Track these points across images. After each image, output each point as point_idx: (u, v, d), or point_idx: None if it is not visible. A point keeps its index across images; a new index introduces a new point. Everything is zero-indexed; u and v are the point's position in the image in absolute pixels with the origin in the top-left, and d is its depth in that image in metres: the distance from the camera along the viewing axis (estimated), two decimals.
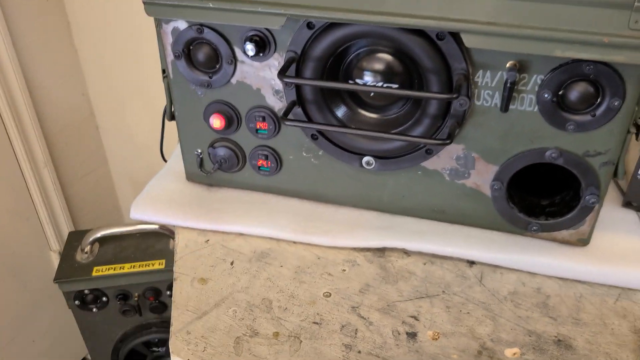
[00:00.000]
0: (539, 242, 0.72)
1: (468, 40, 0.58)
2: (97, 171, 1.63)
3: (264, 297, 0.68)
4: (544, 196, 0.74)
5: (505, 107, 0.62)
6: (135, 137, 1.60)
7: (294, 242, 0.74)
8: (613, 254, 0.69)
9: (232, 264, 0.72)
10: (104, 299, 1.30)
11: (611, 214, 0.76)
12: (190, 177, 0.81)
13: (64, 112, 1.48)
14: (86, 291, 1.28)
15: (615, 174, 0.66)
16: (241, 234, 0.75)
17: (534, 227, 0.71)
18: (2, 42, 1.24)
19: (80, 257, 1.32)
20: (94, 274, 1.28)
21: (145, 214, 0.76)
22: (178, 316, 0.65)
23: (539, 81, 0.61)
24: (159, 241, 1.35)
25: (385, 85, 0.66)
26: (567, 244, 0.71)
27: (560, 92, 0.61)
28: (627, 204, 0.77)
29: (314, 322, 0.65)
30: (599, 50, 0.55)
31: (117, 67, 1.47)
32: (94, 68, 1.51)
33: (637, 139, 0.65)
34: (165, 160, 0.90)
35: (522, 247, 0.71)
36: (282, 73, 0.64)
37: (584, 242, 0.70)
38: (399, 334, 0.64)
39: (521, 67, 0.61)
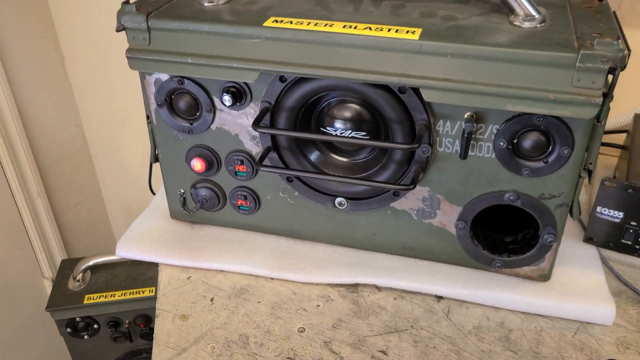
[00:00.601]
0: (503, 277, 0.76)
1: (427, 95, 0.63)
2: (90, 199, 1.67)
3: (242, 333, 0.71)
4: (508, 233, 0.78)
5: (464, 155, 0.66)
6: (127, 166, 1.64)
7: (272, 278, 0.78)
8: (572, 289, 0.73)
9: (212, 300, 0.75)
10: (95, 326, 1.33)
11: (573, 249, 0.80)
12: (174, 215, 0.86)
13: (58, 143, 1.53)
14: (77, 319, 1.32)
15: (571, 214, 0.70)
16: (222, 271, 0.79)
17: (498, 264, 0.75)
18: None
19: (72, 285, 1.36)
20: (86, 301, 1.32)
21: (130, 252, 0.80)
22: (159, 353, 0.68)
23: (494, 131, 0.65)
24: (149, 269, 1.38)
25: (354, 132, 0.70)
26: (530, 279, 0.75)
27: (514, 141, 0.65)
28: (588, 240, 0.81)
29: (288, 358, 0.68)
30: (546, 106, 0.60)
31: (110, 98, 1.52)
32: (87, 100, 1.55)
33: (589, 182, 0.69)
34: (154, 193, 0.94)
35: (486, 283, 0.75)
36: (256, 123, 0.68)
37: (544, 277, 0.74)
38: None
39: (478, 117, 0.65)
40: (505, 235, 0.77)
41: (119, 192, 1.70)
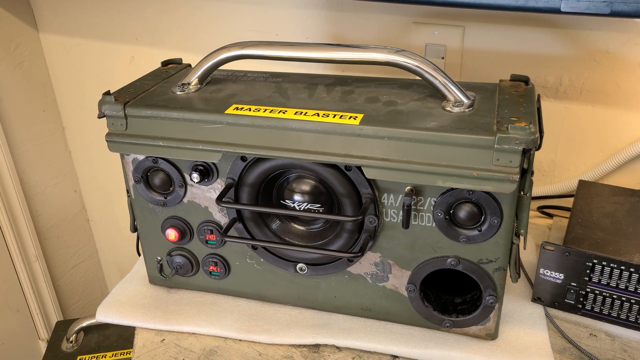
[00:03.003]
0: (453, 336, 0.81)
1: (368, 173, 0.70)
2: (87, 261, 1.74)
3: None
4: (460, 294, 0.84)
5: (405, 225, 0.73)
6: (122, 229, 1.72)
7: (240, 340, 0.84)
8: (517, 347, 0.78)
9: None
10: None
11: (521, 309, 0.85)
12: (152, 281, 0.92)
13: (57, 208, 1.61)
14: None
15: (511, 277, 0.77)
16: (193, 333, 0.85)
17: (447, 324, 0.80)
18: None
19: (65, 346, 1.41)
20: None
21: (109, 317, 0.86)
22: None
23: (432, 203, 0.73)
24: None
25: (310, 205, 0.78)
26: (478, 338, 0.80)
27: (451, 211, 0.72)
28: (537, 299, 0.86)
29: None
30: (471, 182, 0.67)
31: (107, 165, 1.62)
32: (85, 167, 1.65)
33: (524, 248, 0.75)
34: (140, 255, 1.01)
35: (437, 342, 0.80)
36: (219, 199, 0.76)
37: (491, 336, 0.80)
38: None
39: (417, 191, 0.73)
40: (456, 296, 0.83)
41: (114, 254, 1.77)
